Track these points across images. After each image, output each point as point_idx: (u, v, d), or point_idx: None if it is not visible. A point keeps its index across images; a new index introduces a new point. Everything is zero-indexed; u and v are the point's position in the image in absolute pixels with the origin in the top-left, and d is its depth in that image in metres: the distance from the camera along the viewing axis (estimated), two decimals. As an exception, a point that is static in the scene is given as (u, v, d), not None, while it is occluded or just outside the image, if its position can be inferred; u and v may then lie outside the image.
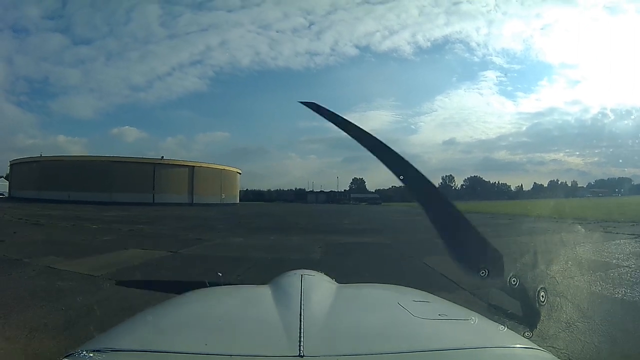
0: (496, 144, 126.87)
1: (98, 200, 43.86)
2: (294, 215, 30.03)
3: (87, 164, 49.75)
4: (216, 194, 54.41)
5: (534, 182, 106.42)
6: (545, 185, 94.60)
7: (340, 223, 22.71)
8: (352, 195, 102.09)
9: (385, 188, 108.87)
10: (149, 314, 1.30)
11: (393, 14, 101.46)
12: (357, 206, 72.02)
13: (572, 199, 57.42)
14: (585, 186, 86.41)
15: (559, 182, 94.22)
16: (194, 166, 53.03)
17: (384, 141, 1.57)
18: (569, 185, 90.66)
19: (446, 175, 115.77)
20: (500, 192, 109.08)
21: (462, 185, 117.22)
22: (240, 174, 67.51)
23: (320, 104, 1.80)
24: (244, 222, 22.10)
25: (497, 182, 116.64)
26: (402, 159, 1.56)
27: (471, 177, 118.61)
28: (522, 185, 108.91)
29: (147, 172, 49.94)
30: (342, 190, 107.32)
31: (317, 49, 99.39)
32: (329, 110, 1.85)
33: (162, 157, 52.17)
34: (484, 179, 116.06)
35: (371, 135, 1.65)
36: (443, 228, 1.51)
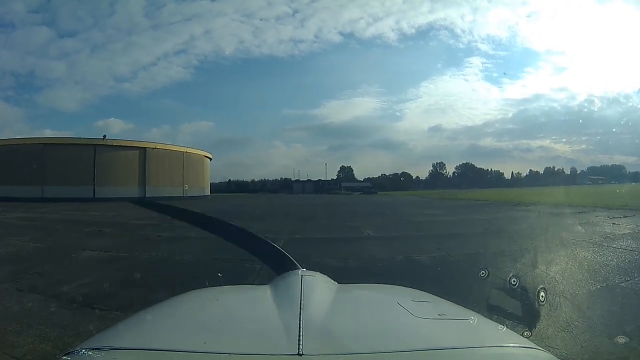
0: (482, 131, 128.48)
1: (26, 196, 33.07)
2: (268, 219, 19.54)
3: (10, 149, 37.98)
4: (177, 185, 43.18)
5: (530, 169, 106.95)
6: (541, 172, 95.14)
7: (362, 242, 12.46)
8: (343, 184, 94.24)
9: (375, 176, 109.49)
10: (149, 312, 1.32)
11: (377, 1, 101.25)
12: (351, 196, 62.50)
13: (575, 186, 56.31)
14: (577, 173, 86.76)
15: (555, 169, 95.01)
16: (145, 148, 41.17)
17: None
18: (566, 172, 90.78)
19: (437, 163, 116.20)
20: (495, 179, 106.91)
21: (453, 173, 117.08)
22: (210, 159, 56.15)
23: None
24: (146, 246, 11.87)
25: (490, 169, 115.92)
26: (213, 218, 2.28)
27: (463, 164, 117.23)
28: (519, 172, 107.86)
29: (85, 157, 38.41)
30: (331, 179, 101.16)
31: (302, 37, 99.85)
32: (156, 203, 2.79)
33: (104, 136, 40.27)
34: (475, 165, 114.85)
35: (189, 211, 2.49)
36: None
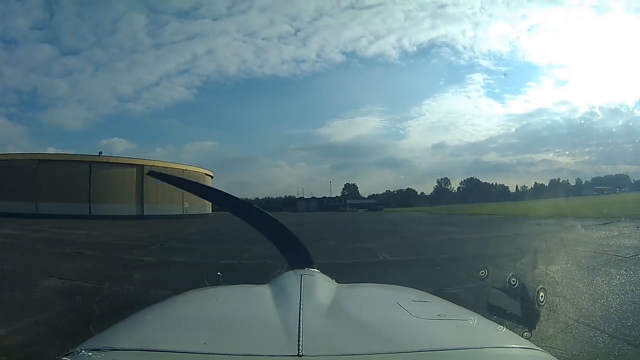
0: (485, 146, 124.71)
1: (19, 212, 31.54)
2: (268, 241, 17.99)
3: (4, 164, 36.75)
4: (176, 202, 41.59)
5: (535, 182, 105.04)
6: (547, 184, 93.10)
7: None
8: (348, 202, 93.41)
9: (379, 193, 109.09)
10: (148, 313, 1.32)
11: (379, 18, 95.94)
12: (357, 214, 60.74)
13: (581, 197, 56.16)
14: (583, 184, 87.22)
15: (560, 181, 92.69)
16: (143, 165, 39.65)
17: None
18: (572, 184, 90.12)
19: (442, 179, 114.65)
20: (500, 193, 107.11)
21: (458, 188, 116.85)
22: (212, 177, 54.70)
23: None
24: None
25: (494, 183, 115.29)
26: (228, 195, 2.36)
27: (468, 179, 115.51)
28: (524, 185, 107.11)
29: (81, 174, 37.08)
30: (335, 197, 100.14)
31: (304, 56, 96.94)
32: (172, 176, 2.81)
33: (100, 152, 38.88)
34: (481, 180, 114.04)
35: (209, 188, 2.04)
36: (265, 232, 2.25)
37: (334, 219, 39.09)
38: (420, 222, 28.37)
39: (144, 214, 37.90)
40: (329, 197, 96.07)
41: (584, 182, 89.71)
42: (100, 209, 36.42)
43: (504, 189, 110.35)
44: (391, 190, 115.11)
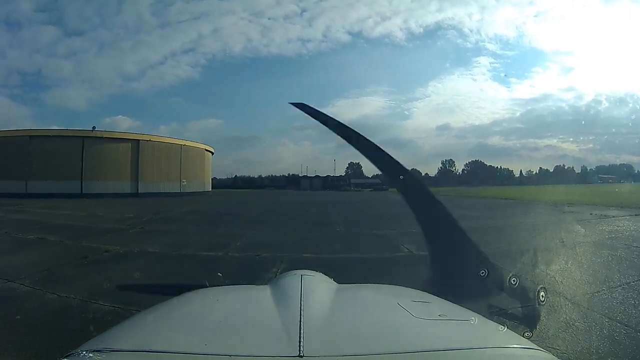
0: (490, 130, 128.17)
1: (9, 191, 30.16)
2: (268, 224, 15.97)
3: (-7, 140, 34.81)
4: (173, 180, 39.75)
5: (540, 167, 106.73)
6: (551, 170, 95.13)
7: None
8: (352, 181, 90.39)
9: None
10: (149, 314, 1.32)
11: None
12: (363, 193, 58.89)
13: (587, 185, 55.55)
14: (588, 172, 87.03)
15: (566, 167, 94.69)
16: (139, 140, 37.59)
17: (373, 139, 2.04)
18: (576, 171, 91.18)
19: (446, 160, 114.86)
20: (505, 177, 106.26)
21: (463, 170, 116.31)
22: (212, 153, 52.61)
23: (309, 103, 2.28)
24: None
25: (499, 167, 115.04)
26: (390, 157, 1.93)
27: (473, 161, 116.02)
28: (530, 170, 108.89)
29: (73, 151, 35.12)
30: (339, 176, 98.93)
31: (310, 36, 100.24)
32: (316, 110, 2.33)
33: (94, 127, 36.55)
34: (485, 163, 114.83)
35: (357, 133, 2.08)
36: (429, 228, 1.86)
37: (340, 199, 37.11)
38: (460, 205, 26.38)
39: (139, 192, 36.13)
40: (333, 176, 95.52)
41: (589, 170, 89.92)
42: (93, 187, 34.74)
43: (509, 172, 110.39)
44: None
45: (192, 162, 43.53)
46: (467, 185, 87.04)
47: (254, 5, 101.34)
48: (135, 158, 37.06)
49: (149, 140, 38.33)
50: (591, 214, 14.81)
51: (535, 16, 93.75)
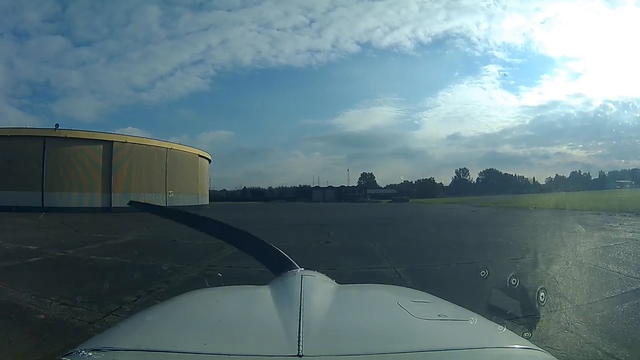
0: (500, 138, 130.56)
1: None
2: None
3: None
4: (157, 191, 32.49)
5: (556, 174, 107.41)
6: (567, 176, 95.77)
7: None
8: (368, 191, 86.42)
9: (397, 183, 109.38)
10: (149, 313, 1.31)
11: (393, 10, 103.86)
12: (382, 205, 51.56)
13: (610, 190, 55.28)
14: (602, 177, 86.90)
15: (582, 174, 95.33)
16: (112, 141, 30.29)
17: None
18: (592, 177, 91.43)
19: (460, 169, 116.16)
20: (520, 185, 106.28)
21: (477, 179, 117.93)
22: (209, 160, 45.54)
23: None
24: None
25: (514, 175, 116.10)
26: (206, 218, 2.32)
27: (487, 169, 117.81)
28: (549, 177, 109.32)
29: (33, 154, 28.27)
30: (353, 186, 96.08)
31: (319, 46, 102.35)
32: (157, 206, 3.46)
33: (57, 125, 29.15)
34: (500, 171, 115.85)
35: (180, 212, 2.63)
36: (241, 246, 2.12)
37: (359, 214, 29.75)
38: (506, 223, 19.01)
39: (112, 205, 29.03)
40: (347, 187, 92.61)
41: (607, 174, 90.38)
42: (57, 199, 27.88)
43: (524, 180, 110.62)
44: (409, 181, 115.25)
45: (182, 170, 35.93)
46: (484, 194, 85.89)
47: (262, 16, 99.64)
48: (107, 163, 29.79)
49: (125, 142, 30.96)
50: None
51: (542, 23, 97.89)
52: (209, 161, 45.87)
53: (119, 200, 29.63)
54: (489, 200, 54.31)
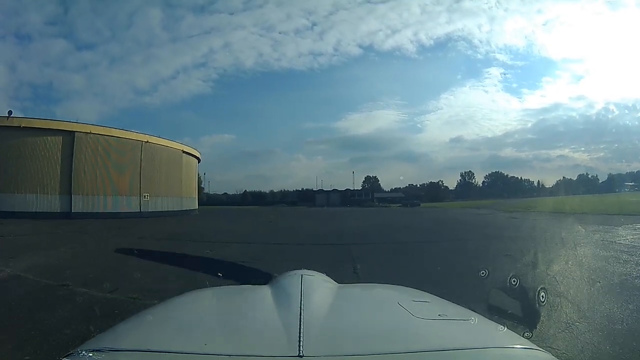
0: (502, 141, 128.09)
1: None
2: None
3: None
4: (129, 193, 27.20)
5: (563, 177, 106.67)
6: (574, 179, 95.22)
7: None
8: (375, 195, 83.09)
9: (402, 187, 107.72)
10: (149, 313, 1.30)
11: (395, 13, 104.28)
12: (393, 211, 46.52)
13: (621, 193, 55.03)
14: (611, 180, 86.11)
15: (589, 176, 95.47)
16: (73, 132, 24.87)
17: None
18: (600, 180, 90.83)
19: (465, 172, 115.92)
20: (526, 188, 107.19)
21: (483, 182, 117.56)
22: (198, 159, 40.24)
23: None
24: None
25: (520, 178, 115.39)
26: None
27: (493, 172, 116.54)
28: (558, 180, 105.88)
29: (-24, 148, 23.19)
30: (358, 189, 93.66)
31: (321, 50, 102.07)
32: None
33: (10, 112, 23.84)
34: (506, 174, 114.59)
35: None
36: None
37: (382, 221, 24.53)
38: (577, 234, 13.88)
39: (72, 210, 23.85)
40: (352, 190, 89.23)
41: (615, 176, 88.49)
42: (7, 202, 22.71)
43: (530, 183, 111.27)
44: (414, 184, 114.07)
45: (162, 168, 30.46)
46: (492, 197, 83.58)
47: (264, 19, 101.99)
48: (67, 159, 24.63)
49: (89, 132, 25.59)
50: None
51: (544, 25, 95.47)
52: (198, 160, 40.64)
53: (80, 204, 24.49)
54: (505, 204, 50.36)
